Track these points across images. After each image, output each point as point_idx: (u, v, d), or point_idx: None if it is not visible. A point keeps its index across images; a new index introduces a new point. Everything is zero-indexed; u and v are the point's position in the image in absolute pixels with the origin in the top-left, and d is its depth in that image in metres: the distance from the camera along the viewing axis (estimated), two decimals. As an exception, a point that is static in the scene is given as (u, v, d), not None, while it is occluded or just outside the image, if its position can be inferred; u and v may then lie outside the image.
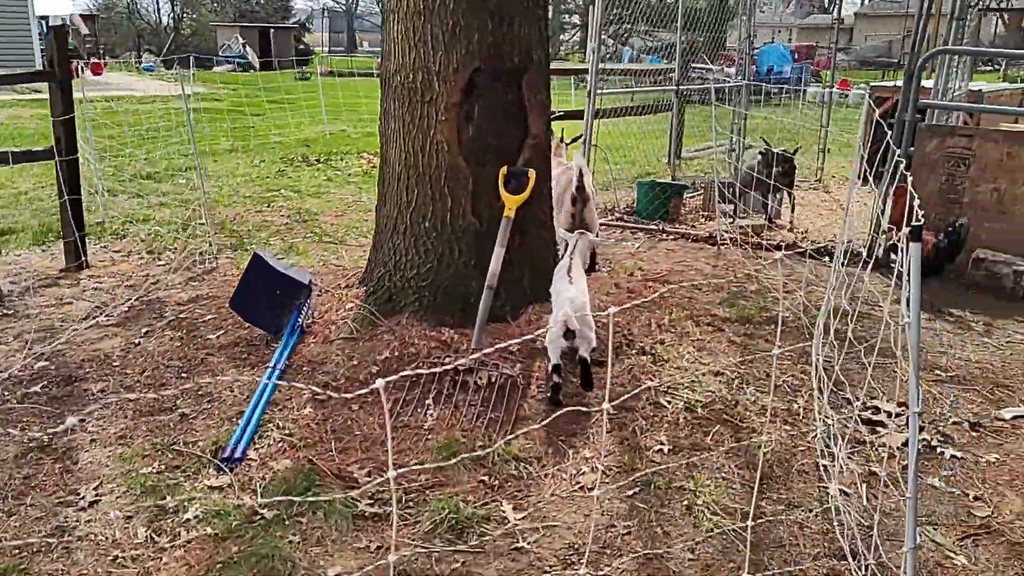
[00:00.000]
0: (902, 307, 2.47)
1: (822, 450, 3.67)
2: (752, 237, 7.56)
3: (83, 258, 6.25)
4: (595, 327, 4.45)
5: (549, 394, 3.91)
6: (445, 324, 4.25)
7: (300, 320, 4.38)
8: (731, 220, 8.21)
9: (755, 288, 6.00)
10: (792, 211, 8.54)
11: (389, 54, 4.33)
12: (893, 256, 6.41)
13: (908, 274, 1.86)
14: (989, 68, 26.79)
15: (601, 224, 8.09)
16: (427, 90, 4.23)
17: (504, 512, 3.17)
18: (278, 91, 18.73)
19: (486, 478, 3.38)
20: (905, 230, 1.80)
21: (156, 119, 13.66)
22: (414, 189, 4.39)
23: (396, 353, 4.04)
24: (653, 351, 4.48)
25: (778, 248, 6.96)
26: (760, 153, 8.26)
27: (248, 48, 37.01)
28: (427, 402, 3.77)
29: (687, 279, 6.21)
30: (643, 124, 11.09)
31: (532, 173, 4.37)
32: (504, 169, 4.37)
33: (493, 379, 3.90)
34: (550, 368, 3.92)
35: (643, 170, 11.43)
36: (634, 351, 4.45)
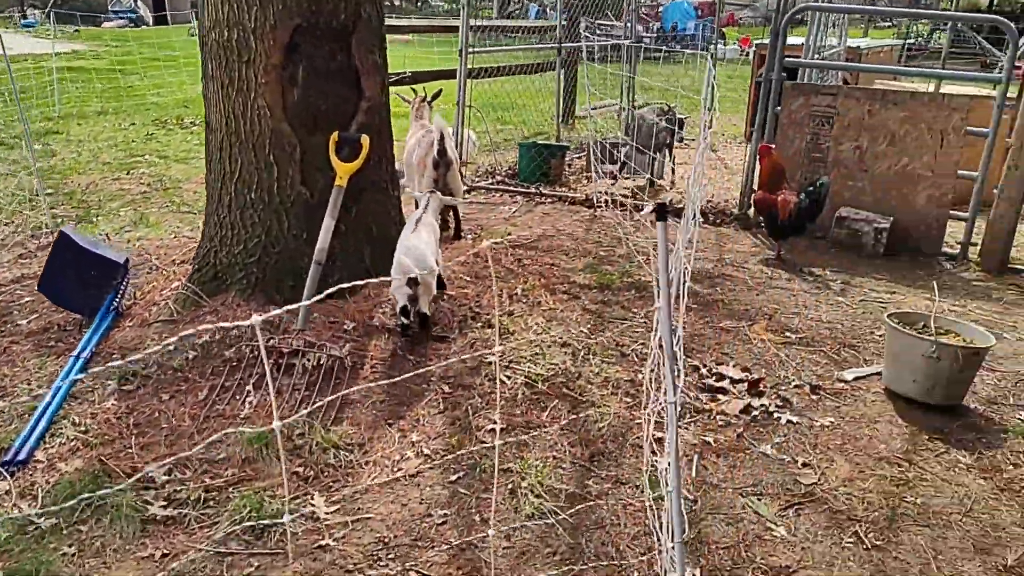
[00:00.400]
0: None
1: (657, 422, 3.59)
2: (631, 199, 7.49)
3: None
4: (439, 292, 4.31)
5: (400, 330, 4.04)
6: (275, 303, 3.98)
7: (116, 302, 4.03)
8: (613, 182, 8.11)
9: (623, 252, 5.92)
10: (673, 171, 8.51)
11: (203, 8, 3.96)
12: (760, 217, 6.42)
13: (660, 255, 1.71)
14: (887, 24, 27.35)
15: (480, 188, 7.88)
16: (244, 49, 3.88)
17: (314, 506, 2.97)
18: (169, 48, 17.69)
19: (300, 469, 3.17)
20: (647, 210, 1.64)
21: (24, 80, 12.73)
22: (237, 158, 4.06)
23: (217, 336, 3.76)
24: (500, 323, 4.32)
25: (639, 210, 6.88)
26: (645, 112, 8.15)
27: (140, 2, 34.98)
28: (247, 389, 3.52)
29: (556, 245, 6.08)
30: (541, 83, 10.88)
31: (365, 139, 4.10)
32: (335, 135, 4.09)
33: (321, 361, 3.67)
34: (398, 310, 4.00)
35: (536, 131, 11.25)
36: (479, 324, 4.28)
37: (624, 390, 3.84)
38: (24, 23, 29.13)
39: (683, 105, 14.33)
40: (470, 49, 7.46)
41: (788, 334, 4.63)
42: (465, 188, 7.77)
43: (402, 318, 4.02)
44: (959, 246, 6.17)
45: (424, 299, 4.03)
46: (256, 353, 3.64)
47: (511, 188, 7.90)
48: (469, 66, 7.58)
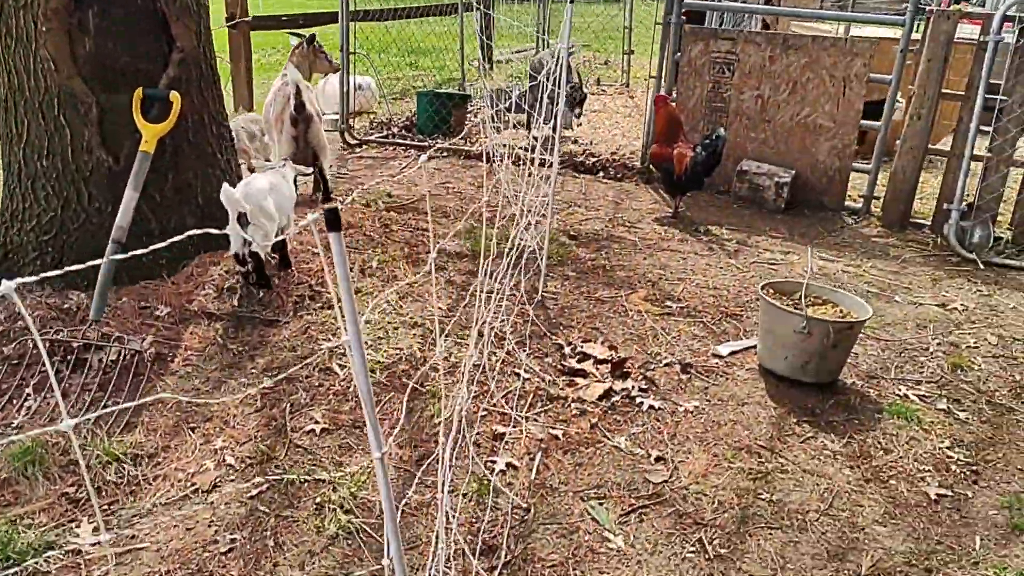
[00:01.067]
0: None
1: (501, 413, 3.23)
2: (532, 153, 7.04)
3: None
4: (283, 271, 3.90)
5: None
6: (76, 287, 3.48)
7: None
8: (516, 132, 7.65)
9: (511, 213, 5.50)
10: (579, 120, 8.07)
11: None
12: (656, 172, 6.05)
13: (340, 275, 1.30)
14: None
15: (371, 142, 7.35)
16: (21, -10, 3.31)
17: (79, 535, 2.55)
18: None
19: (72, 489, 2.73)
20: (319, 214, 1.23)
21: None
22: (24, 119, 3.51)
23: (0, 328, 3.27)
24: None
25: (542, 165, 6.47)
26: (543, 56, 7.66)
27: None
28: (26, 392, 3.05)
29: (438, 206, 5.64)
30: (465, 24, 10.27)
31: (175, 96, 3.57)
32: (138, 91, 3.55)
33: (123, 356, 3.21)
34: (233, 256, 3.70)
35: (447, 78, 10.67)
36: (319, 304, 3.85)
37: (473, 376, 3.46)
38: None
39: (613, 47, 13.84)
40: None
41: (669, 303, 4.31)
42: (355, 142, 7.25)
43: (238, 267, 3.73)
44: (862, 200, 5.90)
45: (259, 236, 3.64)
46: (54, 344, 3.16)
47: (405, 142, 7.39)
48: (353, 8, 6.97)
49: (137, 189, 3.37)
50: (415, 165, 6.75)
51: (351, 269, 4.16)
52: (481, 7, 9.30)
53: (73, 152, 3.51)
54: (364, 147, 7.30)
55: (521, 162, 6.78)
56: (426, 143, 7.29)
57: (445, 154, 7.03)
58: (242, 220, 3.62)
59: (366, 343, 3.57)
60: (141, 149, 3.45)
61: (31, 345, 3.16)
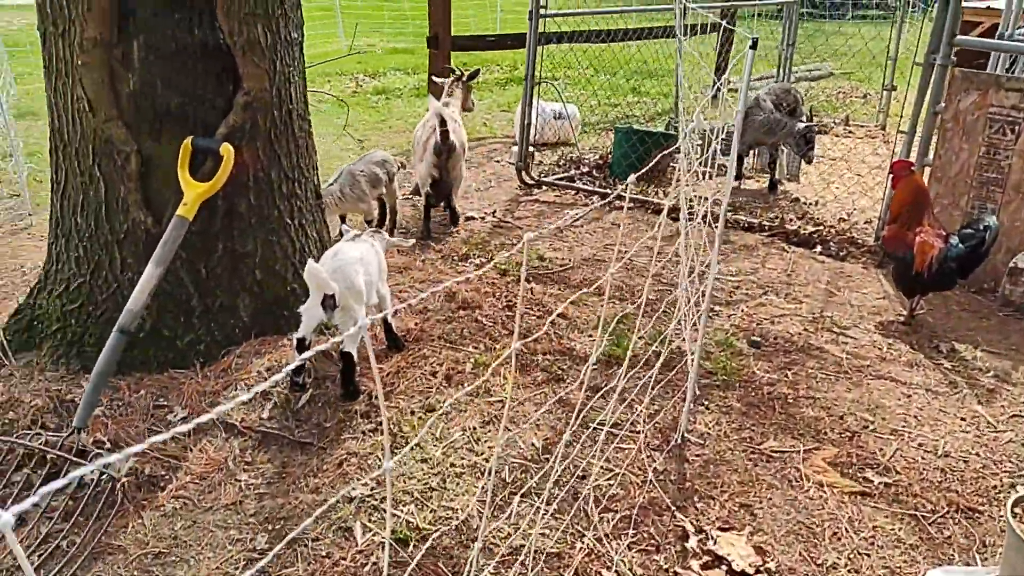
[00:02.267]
0: None
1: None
2: (733, 212, 5.82)
3: None
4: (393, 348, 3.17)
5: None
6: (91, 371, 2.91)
7: None
8: (737, 183, 6.42)
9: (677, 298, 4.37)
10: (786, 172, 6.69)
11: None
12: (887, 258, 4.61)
13: None
14: None
15: (548, 184, 6.49)
16: (59, 16, 2.79)
17: None
18: None
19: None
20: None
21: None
22: (62, 166, 3.02)
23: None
24: (407, 422, 3.03)
25: (745, 230, 5.29)
26: (761, 94, 6.36)
27: None
28: (-7, 506, 2.49)
29: (594, 278, 4.63)
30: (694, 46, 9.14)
31: (226, 149, 2.91)
32: (187, 142, 2.93)
33: (97, 480, 2.57)
34: (294, 341, 3.08)
35: (666, 109, 9.56)
36: (370, 425, 3.01)
37: (550, 567, 2.45)
38: None
39: (878, 78, 11.94)
40: (544, 11, 6.03)
41: (869, 475, 3.00)
42: (532, 183, 6.43)
43: (296, 354, 3.08)
44: None
45: (348, 327, 2.97)
46: (30, 451, 2.61)
47: (588, 187, 6.43)
48: (543, 30, 6.15)
49: (162, 264, 2.74)
50: (595, 215, 5.79)
51: (434, 374, 3.28)
52: (722, 22, 8.06)
53: (108, 209, 2.98)
54: (542, 189, 6.44)
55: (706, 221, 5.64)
56: (610, 189, 6.29)
57: (631, 205, 5.98)
58: (327, 303, 2.99)
59: (412, 494, 2.68)
60: (178, 213, 2.82)
61: (19, 449, 2.62)
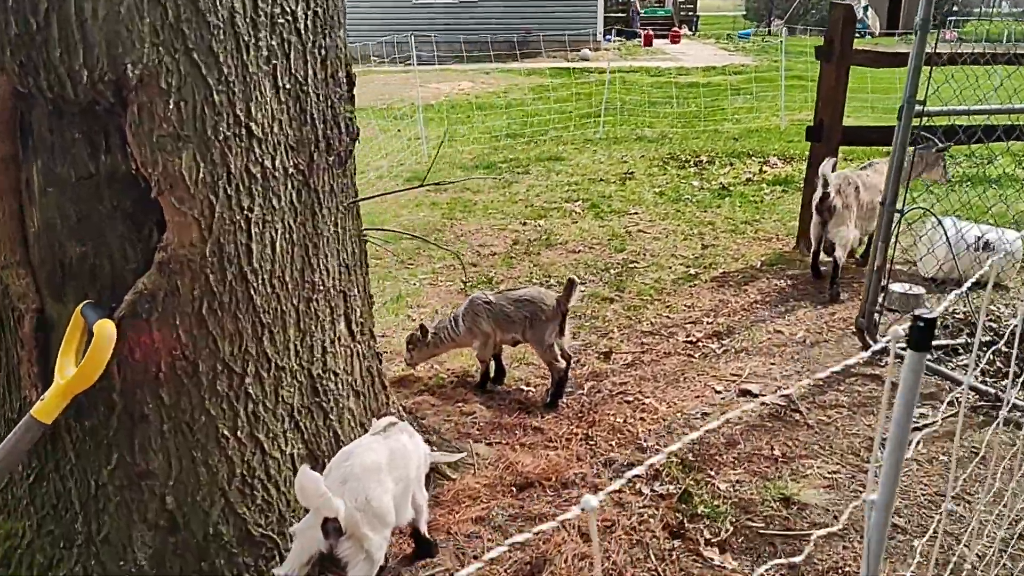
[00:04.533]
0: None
1: None
2: None
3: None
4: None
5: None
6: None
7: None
8: None
9: None
10: None
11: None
12: None
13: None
14: None
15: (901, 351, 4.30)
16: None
17: None
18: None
19: None
20: None
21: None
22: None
23: None
24: None
25: None
26: None
27: (871, 11, 29.03)
28: None
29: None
30: None
31: (101, 327, 1.98)
32: (79, 309, 2.06)
33: None
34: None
35: None
36: None
37: None
38: (741, 33, 29.93)
39: None
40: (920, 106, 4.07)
41: None
42: (878, 346, 4.32)
43: None
44: None
45: (357, 559, 2.25)
46: None
47: (950, 373, 4.09)
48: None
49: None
50: (949, 423, 3.63)
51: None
52: None
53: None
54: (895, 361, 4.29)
55: None
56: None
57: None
58: (329, 527, 2.21)
59: None
60: (31, 412, 1.97)
61: None
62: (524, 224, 6.89)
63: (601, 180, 8.37)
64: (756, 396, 3.91)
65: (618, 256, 5.99)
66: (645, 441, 3.45)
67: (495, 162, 9.36)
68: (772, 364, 4.25)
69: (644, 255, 5.99)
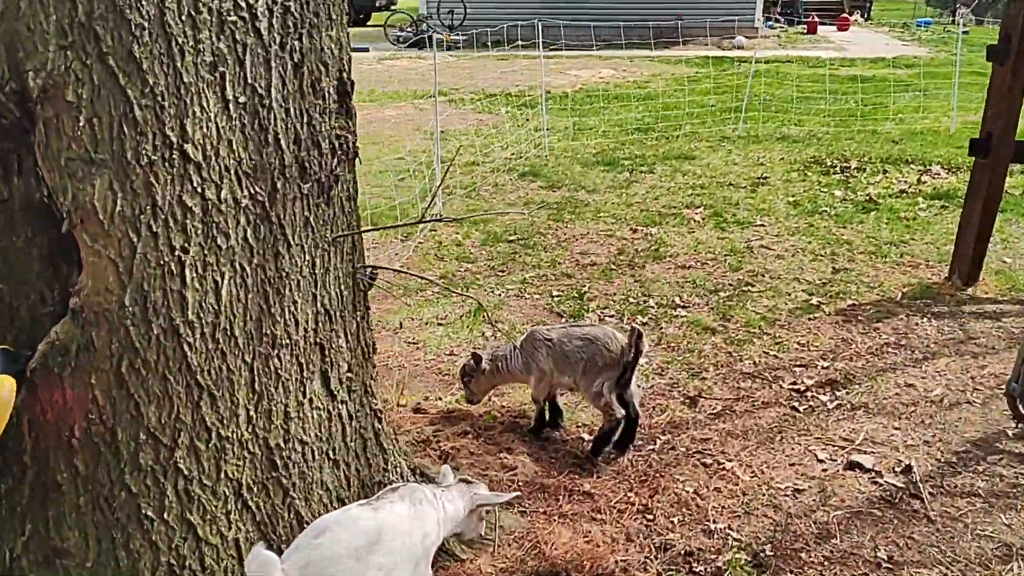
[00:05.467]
0: None
1: None
2: None
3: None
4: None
5: None
6: None
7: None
8: None
9: None
10: None
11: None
12: None
13: None
14: None
15: None
16: None
17: None
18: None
19: None
20: None
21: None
22: None
23: None
24: None
25: None
26: None
27: None
28: None
29: None
30: None
31: (2, 382, 1.67)
32: (-7, 353, 1.78)
33: None
34: None
35: None
36: None
37: None
38: (920, 21, 27.74)
39: None
40: None
41: None
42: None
43: None
44: None
45: None
46: None
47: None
48: None
49: None
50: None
51: None
52: None
53: None
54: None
55: None
56: None
57: None
58: None
59: None
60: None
61: None
62: (634, 231, 6.29)
63: (730, 184, 7.59)
64: (868, 471, 3.21)
65: (732, 276, 5.30)
66: (714, 522, 2.86)
67: (618, 158, 8.75)
68: (895, 429, 3.51)
69: (762, 276, 5.27)
